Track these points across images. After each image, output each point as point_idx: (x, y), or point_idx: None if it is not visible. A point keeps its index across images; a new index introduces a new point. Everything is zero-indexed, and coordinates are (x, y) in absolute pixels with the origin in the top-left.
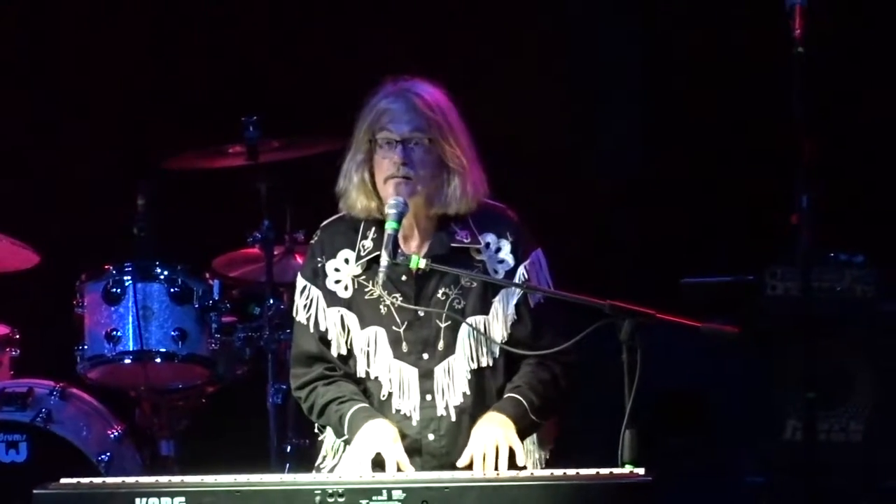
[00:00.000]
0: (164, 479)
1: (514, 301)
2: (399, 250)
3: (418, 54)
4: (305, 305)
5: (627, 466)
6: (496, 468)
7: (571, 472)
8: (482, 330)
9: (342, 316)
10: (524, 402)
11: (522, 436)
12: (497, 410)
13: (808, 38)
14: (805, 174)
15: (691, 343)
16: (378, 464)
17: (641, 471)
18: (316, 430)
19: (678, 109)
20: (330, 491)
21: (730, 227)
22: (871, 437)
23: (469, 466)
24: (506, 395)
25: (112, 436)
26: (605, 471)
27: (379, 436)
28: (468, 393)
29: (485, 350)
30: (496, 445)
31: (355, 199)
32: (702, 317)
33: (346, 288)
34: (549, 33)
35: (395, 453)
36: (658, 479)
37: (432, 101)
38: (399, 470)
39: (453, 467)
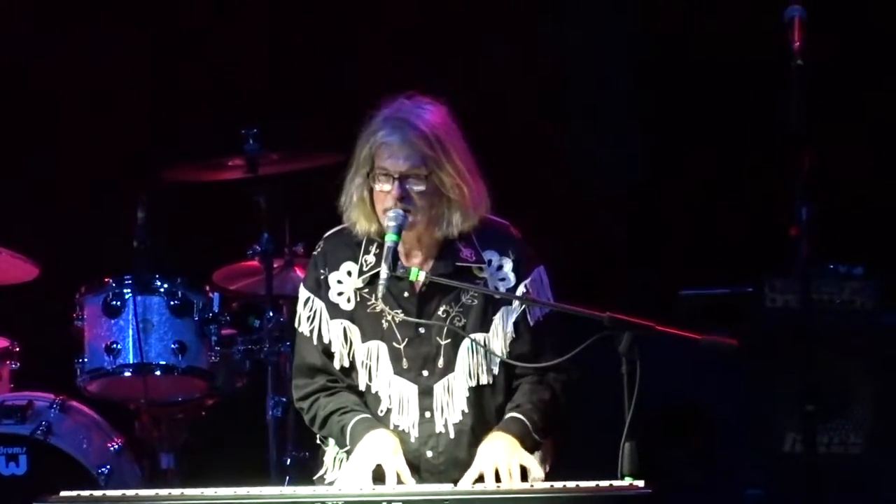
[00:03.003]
0: (163, 491)
1: (512, 319)
2: (399, 263)
3: (418, 63)
4: (309, 317)
5: (627, 479)
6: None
7: (571, 484)
8: (483, 347)
9: (345, 328)
10: (527, 422)
11: None
12: (501, 430)
13: (807, 50)
14: (804, 186)
15: (690, 355)
16: (379, 476)
17: (641, 483)
18: (318, 442)
19: (677, 120)
20: (330, 503)
21: (729, 238)
22: (871, 450)
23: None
24: (508, 416)
25: (112, 448)
26: (604, 483)
27: (380, 447)
28: (467, 410)
29: (485, 368)
30: (507, 461)
31: (356, 219)
32: (701, 329)
33: (348, 300)
34: (548, 37)
35: (395, 464)
36: (658, 492)
37: (429, 131)
38: (399, 482)
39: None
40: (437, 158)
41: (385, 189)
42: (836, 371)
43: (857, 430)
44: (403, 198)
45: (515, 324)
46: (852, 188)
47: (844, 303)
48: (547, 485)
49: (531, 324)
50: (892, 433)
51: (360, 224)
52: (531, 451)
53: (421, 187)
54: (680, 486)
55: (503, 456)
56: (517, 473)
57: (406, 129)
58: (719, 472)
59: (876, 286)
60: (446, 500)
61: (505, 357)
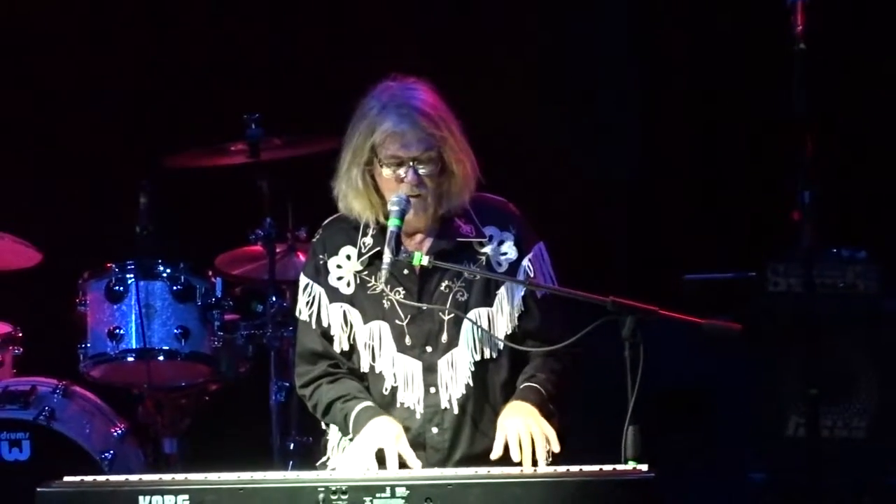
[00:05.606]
0: (167, 476)
1: (519, 293)
2: (402, 247)
3: (418, 52)
4: (308, 303)
5: (630, 463)
6: (534, 460)
7: (575, 468)
8: (486, 322)
9: (345, 312)
10: (542, 391)
11: None
12: (519, 399)
13: (809, 34)
14: (807, 170)
15: (693, 339)
16: (382, 461)
17: (644, 467)
18: (323, 427)
19: (679, 104)
20: (333, 488)
21: (732, 223)
22: (875, 434)
23: (502, 458)
24: (523, 385)
25: (115, 434)
26: (608, 467)
27: (382, 433)
28: (471, 385)
29: (488, 342)
30: (530, 434)
31: (353, 204)
32: (704, 313)
33: (348, 284)
34: (548, 32)
35: (398, 448)
36: (661, 476)
37: (433, 112)
38: (403, 465)
39: (457, 462)
40: (444, 139)
41: (399, 175)
42: (839, 355)
43: (861, 414)
44: (419, 182)
45: (523, 298)
46: (855, 172)
47: (847, 287)
48: (550, 469)
49: (538, 297)
50: None
51: (363, 213)
52: (548, 420)
53: (431, 168)
54: (683, 470)
55: (525, 430)
56: (543, 448)
57: (414, 115)
58: (722, 455)
59: (879, 270)
60: (449, 484)
61: (509, 330)
